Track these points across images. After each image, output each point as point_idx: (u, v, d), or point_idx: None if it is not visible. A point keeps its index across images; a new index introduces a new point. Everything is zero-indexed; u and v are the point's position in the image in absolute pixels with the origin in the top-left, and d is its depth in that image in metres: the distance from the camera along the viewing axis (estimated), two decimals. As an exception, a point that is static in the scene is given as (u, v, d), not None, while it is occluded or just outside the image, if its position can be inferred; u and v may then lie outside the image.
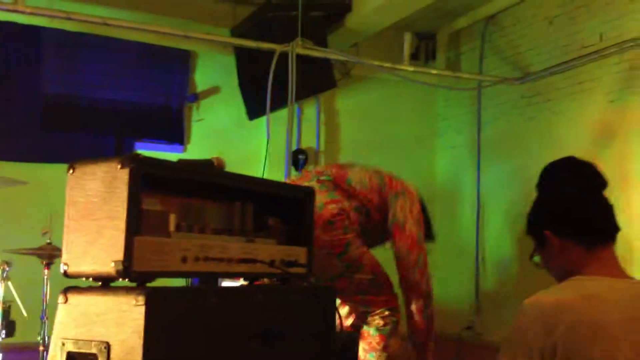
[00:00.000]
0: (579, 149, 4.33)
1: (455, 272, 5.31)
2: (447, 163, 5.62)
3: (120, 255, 1.66)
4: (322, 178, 3.10)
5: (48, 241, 3.66)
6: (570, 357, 1.56)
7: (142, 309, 1.64)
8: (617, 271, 1.74)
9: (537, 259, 1.90)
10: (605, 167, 4.11)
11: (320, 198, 2.86)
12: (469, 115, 5.37)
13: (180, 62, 4.70)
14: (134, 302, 1.66)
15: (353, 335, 3.30)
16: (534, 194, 5.04)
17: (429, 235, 3.50)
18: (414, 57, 5.30)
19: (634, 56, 4.01)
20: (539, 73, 4.64)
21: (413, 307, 3.21)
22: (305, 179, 3.11)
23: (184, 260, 1.82)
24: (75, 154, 4.34)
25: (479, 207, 5.17)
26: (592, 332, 1.58)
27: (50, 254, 3.61)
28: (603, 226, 1.77)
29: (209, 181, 2.00)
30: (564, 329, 1.57)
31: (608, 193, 1.89)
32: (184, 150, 4.73)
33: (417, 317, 3.20)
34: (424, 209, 3.42)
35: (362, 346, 3.03)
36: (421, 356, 3.28)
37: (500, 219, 5.02)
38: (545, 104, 4.65)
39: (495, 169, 5.09)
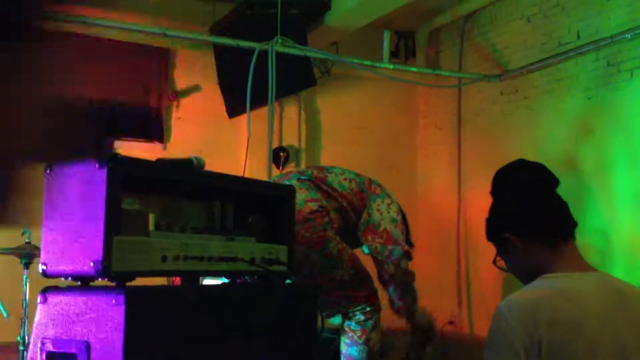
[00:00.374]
0: (558, 145, 4.38)
1: (436, 268, 5.35)
2: (428, 160, 5.65)
3: (99, 255, 1.65)
4: (303, 177, 3.12)
5: (27, 241, 3.63)
6: (554, 353, 1.58)
7: (122, 309, 1.64)
8: (582, 266, 1.76)
9: (501, 264, 1.91)
10: (584, 162, 4.17)
11: (301, 195, 2.90)
12: (449, 112, 5.41)
13: (159, 60, 4.68)
14: (113, 301, 1.65)
15: (335, 333, 3.32)
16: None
17: (408, 242, 3.54)
18: (394, 55, 5.32)
19: (611, 53, 4.06)
20: (517, 70, 4.69)
21: (392, 295, 3.29)
22: (285, 179, 3.13)
23: (164, 259, 1.82)
24: (55, 152, 4.30)
25: (459, 203, 5.21)
26: (572, 327, 1.60)
27: (29, 254, 3.59)
28: (562, 223, 1.79)
29: (188, 181, 2.00)
30: (545, 327, 1.59)
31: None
32: (164, 148, 4.71)
33: (399, 303, 3.29)
34: (403, 218, 3.46)
35: (344, 340, 3.05)
36: (410, 320, 3.35)
37: (482, 214, 5.04)
38: (524, 101, 4.69)
39: (475, 165, 5.13)
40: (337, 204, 3.10)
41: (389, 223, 3.23)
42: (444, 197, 5.42)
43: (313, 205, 2.95)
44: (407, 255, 3.30)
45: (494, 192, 2.22)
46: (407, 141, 5.70)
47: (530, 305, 1.64)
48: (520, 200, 1.86)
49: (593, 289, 1.69)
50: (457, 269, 5.19)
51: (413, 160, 5.71)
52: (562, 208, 1.82)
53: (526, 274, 1.81)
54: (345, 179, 3.19)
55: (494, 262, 1.92)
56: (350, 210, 3.15)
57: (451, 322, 5.18)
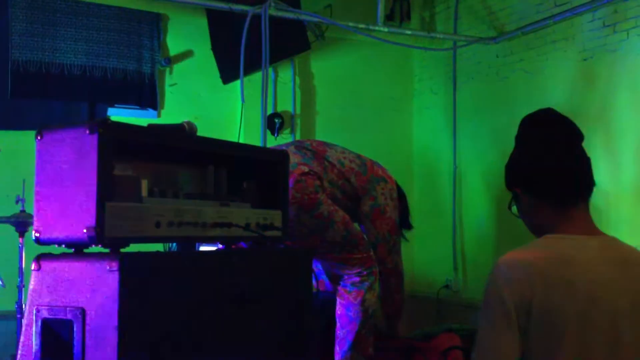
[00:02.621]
0: (554, 107, 4.35)
1: (432, 232, 5.36)
2: (424, 124, 5.63)
3: (92, 222, 1.65)
4: (301, 146, 3.10)
5: (21, 209, 3.63)
6: (545, 316, 1.58)
7: (116, 275, 1.64)
8: (589, 229, 1.72)
9: (514, 209, 1.88)
10: (581, 125, 4.15)
11: (295, 159, 2.90)
12: (445, 75, 5.37)
13: (151, 26, 4.62)
14: (107, 267, 1.66)
15: (330, 296, 3.34)
16: (509, 153, 5.08)
17: (407, 223, 3.58)
18: (389, 17, 5.26)
19: (606, 14, 4.02)
20: (512, 32, 4.64)
21: (392, 286, 3.36)
22: (283, 146, 3.11)
23: (158, 225, 1.82)
24: (47, 121, 4.28)
25: (455, 167, 5.20)
26: (566, 291, 1.59)
27: (24, 222, 3.60)
28: (573, 187, 1.73)
29: (180, 146, 1.99)
30: (540, 289, 1.58)
31: (588, 149, 1.86)
32: (158, 115, 4.68)
33: (396, 296, 3.38)
34: (402, 197, 3.47)
35: (339, 301, 3.06)
36: (392, 326, 3.40)
37: (477, 178, 5.06)
38: (520, 63, 4.66)
39: (471, 129, 5.12)
40: (334, 178, 3.08)
41: (392, 210, 3.24)
42: (439, 160, 5.41)
43: (305, 168, 2.94)
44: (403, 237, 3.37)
45: (515, 140, 2.17)
46: (403, 105, 5.67)
47: (527, 265, 1.62)
48: (533, 160, 1.79)
49: (594, 254, 1.66)
50: (452, 232, 5.21)
51: (409, 124, 5.68)
52: (578, 170, 1.76)
53: (534, 227, 1.80)
54: (345, 157, 3.18)
55: (509, 207, 1.89)
56: (347, 187, 3.14)
57: (446, 286, 5.22)
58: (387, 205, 3.23)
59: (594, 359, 1.59)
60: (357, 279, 3.04)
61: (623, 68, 3.92)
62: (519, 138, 1.96)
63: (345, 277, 3.06)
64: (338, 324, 3.04)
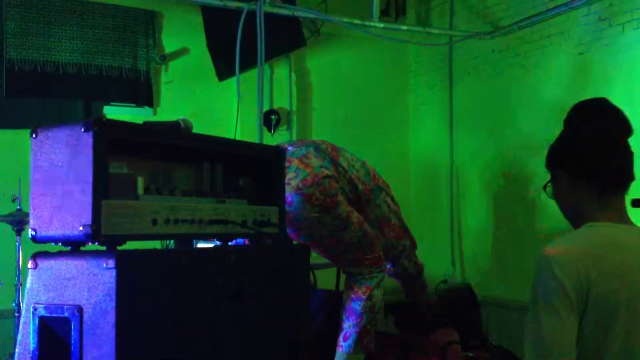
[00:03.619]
0: (550, 102, 4.36)
1: (430, 228, 5.37)
2: (420, 119, 5.63)
3: (88, 219, 1.65)
4: (320, 149, 3.14)
5: (18, 207, 3.63)
6: (599, 303, 1.62)
7: (113, 272, 1.64)
8: (626, 219, 1.77)
9: (549, 190, 1.90)
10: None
11: (317, 162, 2.98)
12: (441, 71, 5.37)
13: (146, 24, 4.61)
14: (104, 265, 1.66)
15: (328, 293, 3.34)
16: (506, 147, 5.09)
17: None
18: (384, 13, 5.26)
19: (602, 7, 4.02)
20: (508, 27, 4.64)
21: (407, 287, 3.62)
22: (303, 145, 3.13)
23: (154, 222, 1.82)
24: (42, 119, 4.27)
25: (452, 162, 5.21)
26: (619, 277, 1.64)
27: (21, 220, 3.59)
28: (615, 177, 1.77)
29: (176, 143, 1.99)
30: (595, 276, 1.62)
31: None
32: (154, 113, 4.67)
33: (411, 289, 3.65)
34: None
35: (347, 295, 3.09)
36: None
37: (474, 172, 5.06)
38: (515, 58, 4.66)
39: (467, 124, 5.12)
40: (345, 184, 3.15)
41: (395, 217, 3.37)
42: (436, 156, 5.42)
43: (327, 171, 2.99)
44: (415, 247, 3.44)
45: (564, 123, 2.19)
46: (399, 100, 5.67)
47: (579, 253, 1.66)
48: (583, 144, 1.81)
49: (637, 242, 1.71)
50: (450, 227, 5.21)
51: (405, 119, 5.68)
52: (622, 161, 1.79)
53: (568, 210, 1.82)
54: (353, 165, 3.26)
55: (544, 187, 1.91)
56: (353, 194, 3.20)
57: (445, 281, 5.22)
58: (390, 212, 3.35)
59: (637, 345, 1.65)
60: (368, 276, 3.11)
61: (618, 62, 3.93)
62: (570, 122, 1.97)
63: (357, 274, 3.11)
64: (344, 317, 3.06)
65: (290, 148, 3.08)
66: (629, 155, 1.80)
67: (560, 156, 1.84)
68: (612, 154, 1.79)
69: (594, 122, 1.87)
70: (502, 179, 4.79)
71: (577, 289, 1.63)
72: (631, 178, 1.79)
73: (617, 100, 3.46)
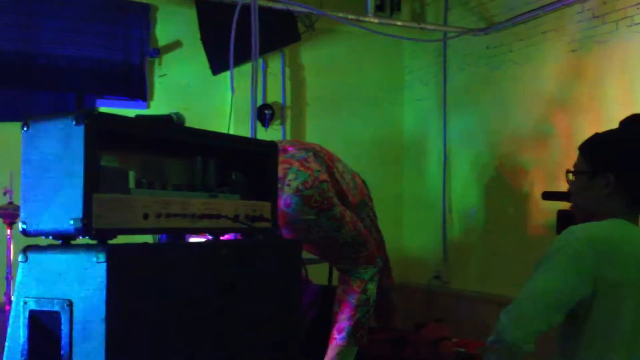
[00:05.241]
0: (544, 98, 4.37)
1: (422, 223, 5.38)
2: (414, 115, 5.63)
3: (79, 213, 1.64)
4: (318, 155, 3.16)
5: (9, 200, 3.61)
6: (611, 288, 1.69)
7: (104, 266, 1.63)
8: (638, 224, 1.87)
9: (571, 177, 1.92)
10: (570, 116, 4.17)
11: (315, 166, 3.01)
12: (435, 67, 5.37)
13: (139, 16, 4.59)
14: (95, 259, 1.64)
15: (320, 287, 3.35)
16: (499, 144, 5.08)
17: None
18: (379, 8, 5.24)
19: (596, 5, 4.03)
20: (502, 23, 4.64)
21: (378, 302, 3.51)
22: (302, 147, 3.14)
23: (146, 216, 1.80)
24: (34, 112, 4.25)
25: (445, 158, 5.21)
26: (633, 267, 1.72)
27: (12, 213, 3.58)
28: None
29: (168, 137, 1.98)
30: (612, 261, 1.70)
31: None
32: (147, 106, 4.66)
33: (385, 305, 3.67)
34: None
35: (342, 288, 3.11)
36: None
37: (467, 169, 5.07)
38: (509, 55, 4.66)
39: (461, 120, 5.12)
40: (335, 192, 3.16)
41: (375, 231, 3.45)
42: (429, 152, 5.42)
43: (325, 176, 3.01)
44: (387, 261, 3.58)
45: (624, 125, 2.20)
46: (393, 96, 5.67)
47: (604, 240, 1.73)
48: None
49: None
50: (442, 222, 5.22)
51: (399, 115, 5.68)
52: None
53: (587, 208, 1.87)
54: (345, 176, 3.30)
55: (570, 172, 1.93)
56: (343, 203, 3.22)
57: (437, 277, 5.23)
58: (372, 226, 3.44)
59: None
60: (363, 270, 3.12)
61: (612, 59, 3.93)
62: (631, 128, 2.01)
63: (352, 270, 3.13)
64: (338, 310, 3.07)
65: (290, 149, 3.10)
66: None
67: (618, 162, 1.85)
68: None
69: None
70: (496, 176, 4.79)
71: (591, 272, 1.69)
72: None
73: (610, 97, 3.52)
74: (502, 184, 4.73)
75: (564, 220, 2.16)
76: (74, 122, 1.65)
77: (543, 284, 1.71)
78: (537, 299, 1.70)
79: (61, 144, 1.68)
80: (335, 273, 3.30)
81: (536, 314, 1.69)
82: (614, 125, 1.96)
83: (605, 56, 3.97)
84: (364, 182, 3.55)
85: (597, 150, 1.90)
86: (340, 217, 3.03)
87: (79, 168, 1.64)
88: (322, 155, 3.18)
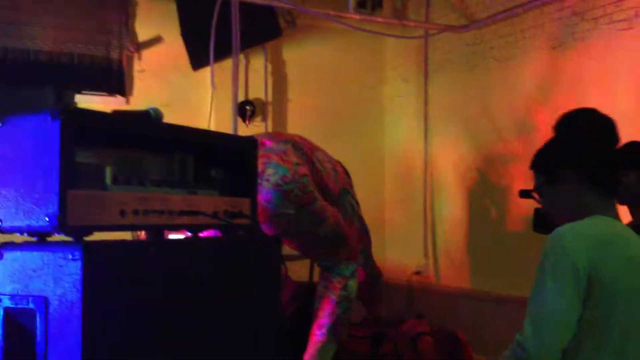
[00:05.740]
0: (524, 95, 4.39)
1: (404, 220, 5.39)
2: (395, 112, 5.64)
3: (54, 210, 1.62)
4: (297, 146, 3.14)
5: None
6: (604, 288, 1.70)
7: (79, 264, 1.62)
8: (619, 219, 1.90)
9: (537, 197, 1.99)
10: (550, 113, 4.19)
11: (294, 159, 3.00)
12: (416, 64, 5.38)
13: (119, 11, 4.55)
14: (70, 256, 1.63)
15: (300, 284, 3.35)
16: (480, 140, 5.11)
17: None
18: (361, 5, 5.23)
19: (575, 2, 4.05)
20: (483, 21, 4.66)
21: (364, 290, 3.57)
22: (280, 140, 3.13)
23: (123, 213, 1.79)
24: (12, 107, 4.20)
25: (426, 155, 5.23)
26: (623, 265, 1.74)
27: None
28: (613, 179, 1.91)
29: (145, 133, 1.96)
30: (602, 260, 1.71)
31: None
32: (127, 102, 4.63)
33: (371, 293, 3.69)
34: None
35: (322, 285, 3.11)
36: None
37: (448, 165, 5.08)
38: (489, 52, 4.68)
39: (442, 117, 5.14)
40: (317, 180, 3.15)
41: (357, 220, 3.43)
42: (410, 148, 5.43)
43: (304, 170, 3.00)
44: (370, 246, 3.48)
45: (561, 128, 2.31)
46: (374, 93, 5.67)
47: (590, 236, 1.75)
48: (591, 144, 1.94)
49: (635, 238, 1.84)
50: (423, 219, 5.23)
51: (380, 112, 5.69)
52: (616, 167, 1.96)
53: (564, 213, 1.89)
54: (326, 165, 3.27)
55: (533, 191, 1.99)
56: (323, 194, 3.20)
57: (418, 272, 5.25)
58: (354, 214, 3.40)
59: (634, 334, 1.74)
60: (344, 267, 3.12)
61: (591, 56, 3.96)
62: (568, 128, 2.12)
63: (332, 268, 3.12)
64: (319, 306, 3.07)
65: (268, 143, 3.08)
66: (617, 161, 2.01)
67: (571, 159, 1.90)
68: (613, 162, 1.96)
69: (598, 132, 2.01)
70: (476, 172, 4.82)
71: (586, 269, 1.70)
72: (619, 181, 1.95)
73: (589, 94, 3.55)
74: (483, 180, 4.75)
75: (540, 217, 2.18)
76: (49, 118, 1.63)
77: (554, 303, 1.71)
78: (555, 320, 1.71)
79: (37, 140, 1.66)
80: (317, 270, 3.30)
81: (560, 336, 1.71)
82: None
83: (585, 53, 4.00)
84: (345, 170, 3.53)
85: (544, 158, 1.97)
86: (321, 212, 3.03)
87: (54, 164, 1.63)
88: (302, 146, 3.17)
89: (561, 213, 1.90)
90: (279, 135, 3.32)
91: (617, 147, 2.51)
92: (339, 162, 3.47)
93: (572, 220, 1.84)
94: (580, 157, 1.90)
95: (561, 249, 1.73)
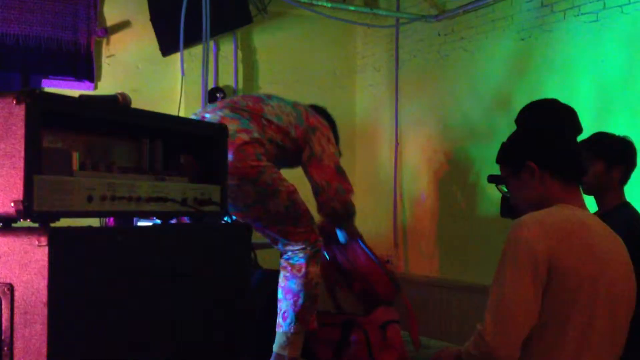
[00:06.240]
0: (493, 86, 4.43)
1: (374, 208, 5.41)
2: (366, 101, 5.65)
3: (19, 195, 1.60)
4: (237, 107, 3.04)
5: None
6: (565, 275, 1.72)
7: (45, 250, 1.60)
8: (585, 207, 1.94)
9: (503, 187, 2.04)
10: (519, 103, 4.24)
11: (232, 127, 2.82)
12: (387, 53, 5.39)
13: (87, -5, 4.48)
14: (36, 242, 1.61)
15: (269, 272, 3.34)
16: (450, 130, 5.15)
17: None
18: (332, -7, 5.23)
19: (545, -6, 4.09)
20: (454, 11, 4.68)
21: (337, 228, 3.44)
22: (218, 109, 3.05)
23: (90, 199, 1.77)
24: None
25: (397, 144, 5.25)
26: (585, 253, 1.75)
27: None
28: (579, 165, 1.94)
29: (113, 118, 1.94)
30: (563, 248, 1.73)
31: None
32: (95, 87, 4.56)
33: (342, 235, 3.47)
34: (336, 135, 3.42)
35: (283, 274, 3.04)
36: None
37: (417, 154, 5.11)
38: (460, 42, 4.71)
39: (412, 106, 5.16)
40: (272, 135, 3.05)
41: (328, 159, 3.21)
42: (381, 138, 5.45)
43: (245, 137, 2.89)
44: (350, 192, 3.29)
45: (521, 121, 2.34)
46: (346, 82, 5.67)
47: (552, 225, 1.77)
48: (550, 133, 1.97)
49: (599, 225, 1.88)
50: (393, 209, 5.26)
51: (351, 101, 5.69)
52: (579, 155, 1.98)
53: (532, 203, 1.91)
54: (282, 112, 3.13)
55: (500, 183, 2.05)
56: (285, 141, 3.10)
57: (387, 262, 5.28)
58: (323, 153, 3.18)
59: (598, 322, 1.76)
60: (302, 253, 3.04)
61: (557, 48, 4.01)
62: (530, 118, 2.17)
63: (290, 252, 3.06)
64: (282, 297, 3.03)
65: (207, 116, 3.00)
66: (580, 150, 2.03)
67: (532, 151, 1.94)
68: (574, 150, 1.98)
69: (558, 121, 2.05)
70: (445, 160, 4.85)
71: (546, 258, 1.72)
72: (585, 170, 1.99)
73: (555, 85, 3.62)
74: (452, 170, 4.79)
75: (507, 203, 2.21)
76: (14, 102, 1.60)
77: (513, 294, 1.71)
78: (514, 310, 1.71)
79: (1, 124, 1.63)
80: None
81: (519, 326, 1.72)
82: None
83: (552, 45, 4.04)
84: (313, 107, 3.34)
85: (507, 150, 2.01)
86: (272, 184, 2.91)
87: (19, 149, 1.60)
88: (244, 105, 3.04)
89: (527, 204, 1.93)
90: (220, 104, 3.17)
91: (581, 136, 2.55)
92: (301, 104, 3.27)
93: (538, 209, 1.86)
94: (541, 148, 1.93)
95: (521, 238, 1.75)
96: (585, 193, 2.74)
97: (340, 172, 3.25)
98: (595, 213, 2.73)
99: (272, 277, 3.18)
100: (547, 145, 1.93)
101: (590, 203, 2.79)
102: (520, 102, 3.84)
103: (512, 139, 2.03)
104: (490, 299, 1.75)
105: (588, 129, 2.64)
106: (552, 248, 1.72)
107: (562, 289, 1.72)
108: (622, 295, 1.82)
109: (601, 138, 2.73)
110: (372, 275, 3.51)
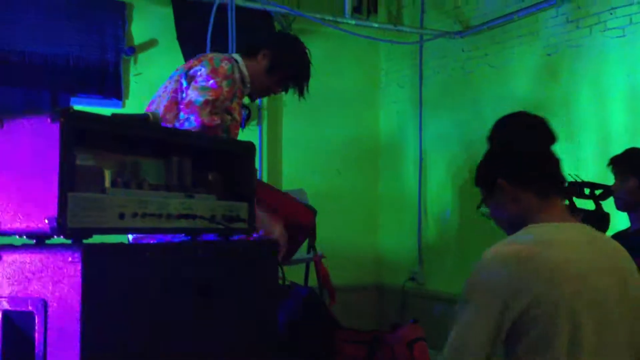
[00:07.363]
0: (518, 102, 4.41)
1: (398, 225, 5.40)
2: (390, 117, 5.65)
3: (53, 212, 1.62)
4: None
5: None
6: (540, 299, 1.63)
7: (78, 266, 1.62)
8: (566, 217, 1.84)
9: (484, 209, 1.97)
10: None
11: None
12: (411, 69, 5.40)
13: (115, 14, 4.55)
14: (70, 259, 1.63)
15: (299, 289, 3.33)
16: (474, 147, 5.14)
17: None
18: (356, 10, 5.26)
19: (570, 9, 4.08)
20: (478, 27, 4.68)
21: None
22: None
23: (122, 216, 1.79)
24: (8, 110, 4.20)
25: (421, 160, 5.24)
26: (556, 274, 1.66)
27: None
28: (553, 176, 1.85)
29: (144, 136, 1.96)
30: (529, 276, 1.65)
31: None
32: (122, 105, 4.62)
33: None
34: None
35: None
36: None
37: (442, 171, 5.10)
38: (485, 58, 4.70)
39: (436, 123, 5.16)
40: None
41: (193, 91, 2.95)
42: (405, 154, 5.44)
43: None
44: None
45: (491, 139, 2.31)
46: (370, 98, 5.68)
47: (513, 255, 1.69)
48: (517, 149, 1.91)
49: (575, 237, 1.77)
50: (417, 225, 5.24)
51: (375, 117, 5.70)
52: (555, 162, 1.88)
53: (510, 222, 1.86)
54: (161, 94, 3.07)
55: (478, 207, 1.98)
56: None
57: (412, 279, 5.26)
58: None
59: (585, 335, 1.65)
60: None
61: (585, 63, 3.99)
62: (498, 135, 2.08)
63: None
64: None
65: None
66: (557, 161, 1.90)
67: (500, 168, 1.88)
68: (545, 161, 1.87)
69: (529, 131, 1.98)
70: (470, 177, 4.82)
71: (508, 292, 1.65)
72: (564, 181, 1.89)
73: (583, 100, 3.59)
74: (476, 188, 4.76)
75: None
76: (49, 120, 1.63)
77: (469, 336, 1.67)
78: (468, 353, 1.66)
79: (36, 142, 1.66)
80: (312, 273, 3.28)
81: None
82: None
83: (579, 60, 4.02)
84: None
85: (480, 171, 1.95)
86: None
87: (54, 166, 1.63)
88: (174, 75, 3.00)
89: (506, 224, 1.89)
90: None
91: (613, 152, 2.51)
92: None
93: (517, 228, 1.81)
94: (508, 163, 1.87)
95: (482, 277, 1.72)
96: (619, 209, 2.69)
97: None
98: (627, 229, 2.69)
99: (301, 293, 3.18)
100: (514, 160, 1.87)
101: (623, 220, 2.76)
102: (547, 118, 3.83)
103: (483, 159, 1.97)
104: (449, 332, 1.71)
105: (620, 145, 2.62)
106: (515, 283, 1.65)
107: (542, 311, 1.64)
108: (622, 301, 1.72)
109: (633, 154, 2.70)
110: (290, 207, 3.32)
